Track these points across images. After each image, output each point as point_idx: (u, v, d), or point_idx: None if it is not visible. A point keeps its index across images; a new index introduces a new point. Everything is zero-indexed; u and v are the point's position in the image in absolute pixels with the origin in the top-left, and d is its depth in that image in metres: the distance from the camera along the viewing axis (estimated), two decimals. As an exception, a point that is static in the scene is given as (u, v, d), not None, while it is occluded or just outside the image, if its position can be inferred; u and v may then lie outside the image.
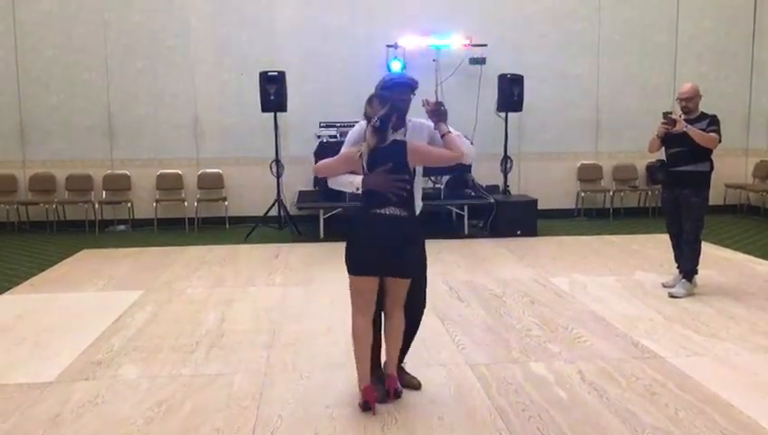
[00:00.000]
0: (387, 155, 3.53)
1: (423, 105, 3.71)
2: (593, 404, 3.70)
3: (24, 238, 9.07)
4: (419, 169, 3.75)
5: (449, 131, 3.65)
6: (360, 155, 3.56)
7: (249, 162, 9.86)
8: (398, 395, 3.73)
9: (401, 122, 3.66)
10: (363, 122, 3.66)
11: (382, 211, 3.52)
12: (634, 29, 10.30)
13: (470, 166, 9.04)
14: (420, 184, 3.81)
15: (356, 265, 3.58)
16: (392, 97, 3.57)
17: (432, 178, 9.48)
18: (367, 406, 3.60)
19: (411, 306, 3.78)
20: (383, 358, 3.84)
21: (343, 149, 3.76)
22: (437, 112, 3.65)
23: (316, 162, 9.72)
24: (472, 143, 3.91)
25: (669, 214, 5.98)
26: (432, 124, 3.71)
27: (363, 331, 3.64)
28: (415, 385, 3.91)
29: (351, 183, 3.64)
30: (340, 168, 3.70)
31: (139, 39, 9.65)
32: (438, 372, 4.17)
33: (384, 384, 3.76)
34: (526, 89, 9.47)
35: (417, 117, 3.81)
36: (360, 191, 3.60)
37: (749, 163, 10.65)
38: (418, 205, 3.80)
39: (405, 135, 3.67)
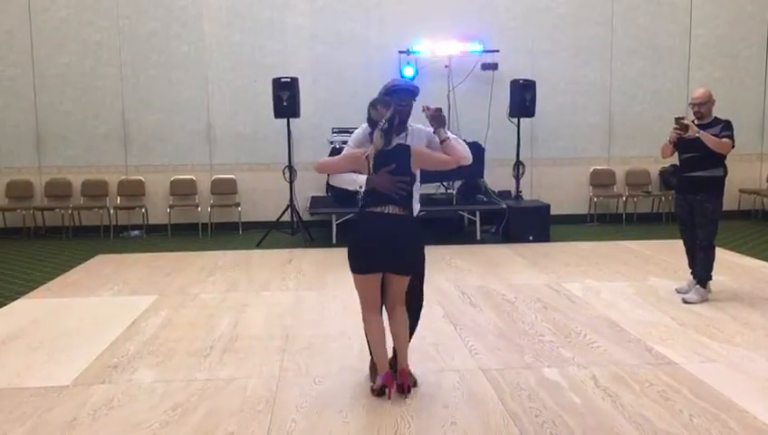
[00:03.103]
0: (392, 157, 3.69)
1: (423, 111, 3.90)
2: (607, 410, 3.69)
3: (39, 244, 9.16)
4: (418, 174, 3.88)
5: (448, 137, 3.82)
6: (367, 156, 3.71)
7: (262, 168, 9.92)
8: (409, 389, 3.86)
9: (402, 127, 3.83)
10: (366, 125, 3.83)
11: (382, 210, 3.67)
12: (647, 35, 10.27)
13: (482, 171, 9.06)
14: (418, 188, 3.95)
15: (358, 265, 3.73)
16: (394, 102, 3.73)
17: (444, 183, 9.50)
18: (383, 390, 3.77)
19: (410, 301, 3.93)
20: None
21: (346, 150, 3.95)
22: (437, 118, 3.84)
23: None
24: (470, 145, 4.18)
25: (683, 219, 5.95)
26: (431, 130, 3.90)
27: (375, 325, 3.81)
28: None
29: (355, 181, 3.80)
30: (344, 166, 3.87)
31: (154, 46, 9.74)
32: (451, 377, 4.17)
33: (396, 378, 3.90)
34: (538, 94, 9.46)
35: (419, 122, 4.01)
36: (362, 189, 3.76)
37: (763, 168, 10.59)
38: (416, 208, 3.93)
39: (406, 139, 3.84)
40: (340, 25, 9.88)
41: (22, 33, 9.54)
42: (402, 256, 3.72)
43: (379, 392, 3.82)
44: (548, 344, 4.78)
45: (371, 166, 3.70)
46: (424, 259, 3.99)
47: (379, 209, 3.67)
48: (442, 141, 3.81)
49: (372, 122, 3.74)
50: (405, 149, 3.74)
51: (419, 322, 4.16)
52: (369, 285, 3.76)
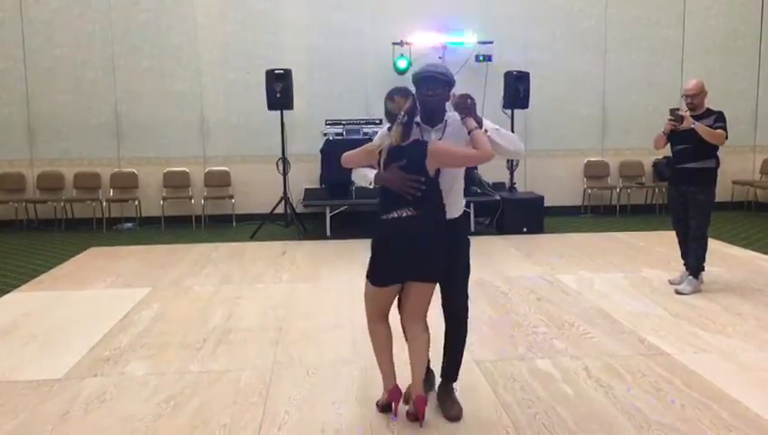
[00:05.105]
0: (405, 153, 3.32)
1: (449, 99, 3.47)
2: (600, 401, 3.70)
3: (31, 236, 9.12)
4: (456, 171, 3.48)
5: (477, 127, 3.29)
6: (381, 151, 3.40)
7: (256, 160, 9.89)
8: (423, 417, 3.44)
9: (437, 118, 3.43)
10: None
11: (395, 215, 3.30)
12: (641, 26, 10.26)
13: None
14: (456, 186, 3.50)
15: (377, 277, 3.39)
16: (417, 91, 3.39)
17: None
18: (388, 406, 3.49)
19: (452, 310, 3.62)
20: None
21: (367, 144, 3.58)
22: (462, 106, 3.33)
23: (322, 160, 9.68)
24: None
25: (676, 211, 5.96)
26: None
27: (380, 333, 3.48)
28: (452, 416, 3.51)
29: (366, 177, 3.48)
30: (359, 160, 3.51)
31: (146, 38, 9.68)
32: (445, 368, 4.17)
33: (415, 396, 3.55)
34: (532, 86, 9.46)
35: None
36: (372, 186, 3.44)
37: (756, 160, 10.61)
38: (459, 206, 3.54)
39: (443, 132, 3.42)
40: (333, 17, 9.83)
41: (13, 24, 9.47)
42: (420, 261, 3.32)
43: (383, 408, 3.53)
44: (541, 336, 4.78)
45: (381, 161, 3.38)
46: (463, 265, 3.62)
47: (393, 215, 3.29)
48: (469, 132, 3.28)
49: (390, 116, 3.35)
50: (420, 146, 3.32)
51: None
52: (382, 295, 3.42)
